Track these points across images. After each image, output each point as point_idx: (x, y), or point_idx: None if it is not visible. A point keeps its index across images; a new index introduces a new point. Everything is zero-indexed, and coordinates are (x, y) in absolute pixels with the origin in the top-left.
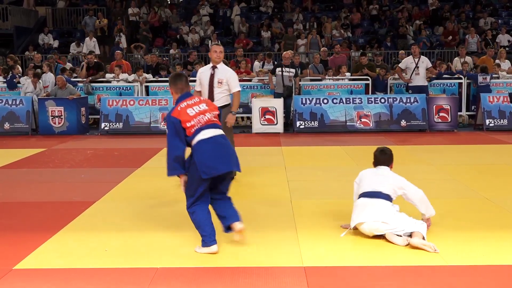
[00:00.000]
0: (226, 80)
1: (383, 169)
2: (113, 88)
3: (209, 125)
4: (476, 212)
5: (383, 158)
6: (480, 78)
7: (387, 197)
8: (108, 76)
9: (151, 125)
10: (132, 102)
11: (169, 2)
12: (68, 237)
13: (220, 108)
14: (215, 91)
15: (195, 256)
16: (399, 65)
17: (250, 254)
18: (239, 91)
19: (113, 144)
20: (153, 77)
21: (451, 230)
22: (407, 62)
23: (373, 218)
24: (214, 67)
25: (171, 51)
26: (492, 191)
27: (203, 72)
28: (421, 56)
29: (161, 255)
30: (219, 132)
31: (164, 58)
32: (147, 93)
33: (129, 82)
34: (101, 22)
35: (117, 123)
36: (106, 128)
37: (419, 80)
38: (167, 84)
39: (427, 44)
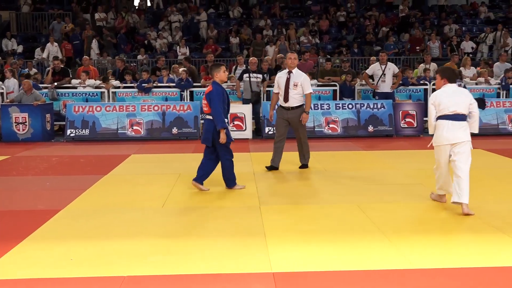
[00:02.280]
0: (301, 83)
1: (455, 86)
2: (79, 94)
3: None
4: (442, 216)
5: (455, 75)
6: None
7: (466, 118)
8: (74, 82)
9: (119, 131)
10: (99, 108)
11: (136, 7)
12: (32, 247)
13: (294, 108)
14: (290, 93)
15: (163, 264)
16: (366, 71)
17: (219, 261)
18: (311, 93)
19: (79, 151)
20: (120, 83)
21: (418, 234)
22: (374, 68)
23: (464, 139)
24: (290, 72)
25: (139, 56)
26: None
27: (281, 77)
28: (388, 63)
29: (128, 263)
30: (207, 117)
31: (132, 64)
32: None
33: (96, 87)
34: (67, 27)
35: (83, 130)
36: (72, 134)
37: (386, 86)
38: (134, 90)
39: (395, 51)
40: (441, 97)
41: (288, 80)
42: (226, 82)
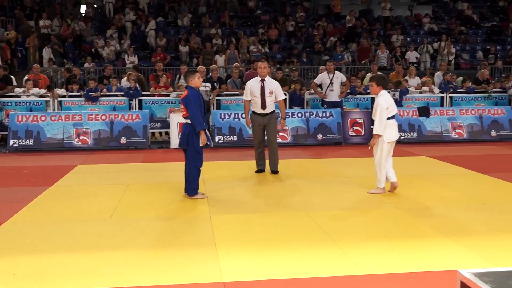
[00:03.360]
0: (274, 90)
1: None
2: (23, 103)
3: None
4: (388, 222)
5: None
6: (390, 94)
7: None
8: (17, 90)
9: (64, 141)
10: (43, 118)
11: (83, 14)
12: None
13: (270, 113)
14: (267, 100)
15: (112, 277)
16: (314, 80)
17: (169, 272)
18: (284, 99)
19: (22, 162)
20: (66, 92)
21: (366, 240)
22: (322, 77)
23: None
24: (262, 80)
25: (86, 64)
26: (402, 202)
27: (253, 85)
28: (336, 72)
29: (76, 277)
30: (185, 121)
31: (80, 73)
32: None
33: (41, 96)
34: (9, 34)
35: (27, 140)
36: (15, 145)
37: (334, 95)
38: (81, 99)
39: (344, 61)
40: (390, 101)
41: (263, 88)
42: (199, 87)
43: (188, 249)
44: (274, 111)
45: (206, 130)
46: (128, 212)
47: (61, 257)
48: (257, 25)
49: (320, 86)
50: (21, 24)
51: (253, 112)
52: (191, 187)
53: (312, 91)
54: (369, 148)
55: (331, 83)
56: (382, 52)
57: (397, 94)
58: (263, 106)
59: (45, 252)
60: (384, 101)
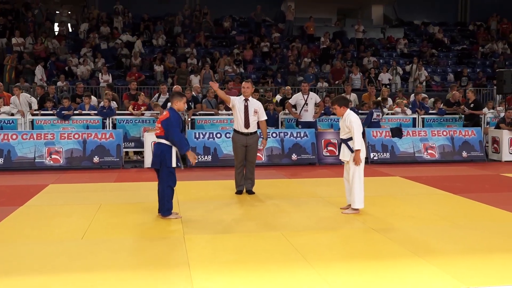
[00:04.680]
0: (258, 110)
1: None
2: None
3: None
4: (362, 242)
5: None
6: (374, 115)
7: None
8: None
9: (36, 160)
10: (14, 136)
11: (56, 33)
12: None
13: (253, 133)
14: (251, 119)
15: None
16: (289, 101)
17: None
18: (266, 119)
19: None
20: (39, 110)
21: (339, 260)
22: (297, 98)
23: None
24: (246, 100)
25: (59, 83)
26: (376, 221)
27: (238, 103)
28: (310, 92)
29: None
30: (158, 141)
31: (53, 91)
32: (32, 127)
33: (12, 115)
34: None
35: None
36: None
37: (308, 116)
38: (53, 117)
39: (313, 82)
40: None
41: (246, 107)
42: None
43: (161, 270)
44: (256, 132)
45: (177, 151)
46: (100, 233)
47: (29, 279)
48: (232, 45)
49: (294, 106)
50: None
51: (235, 131)
52: (165, 207)
53: (287, 111)
54: (357, 166)
55: (305, 103)
56: (355, 74)
57: (381, 114)
58: (247, 125)
59: (12, 273)
60: (356, 118)
